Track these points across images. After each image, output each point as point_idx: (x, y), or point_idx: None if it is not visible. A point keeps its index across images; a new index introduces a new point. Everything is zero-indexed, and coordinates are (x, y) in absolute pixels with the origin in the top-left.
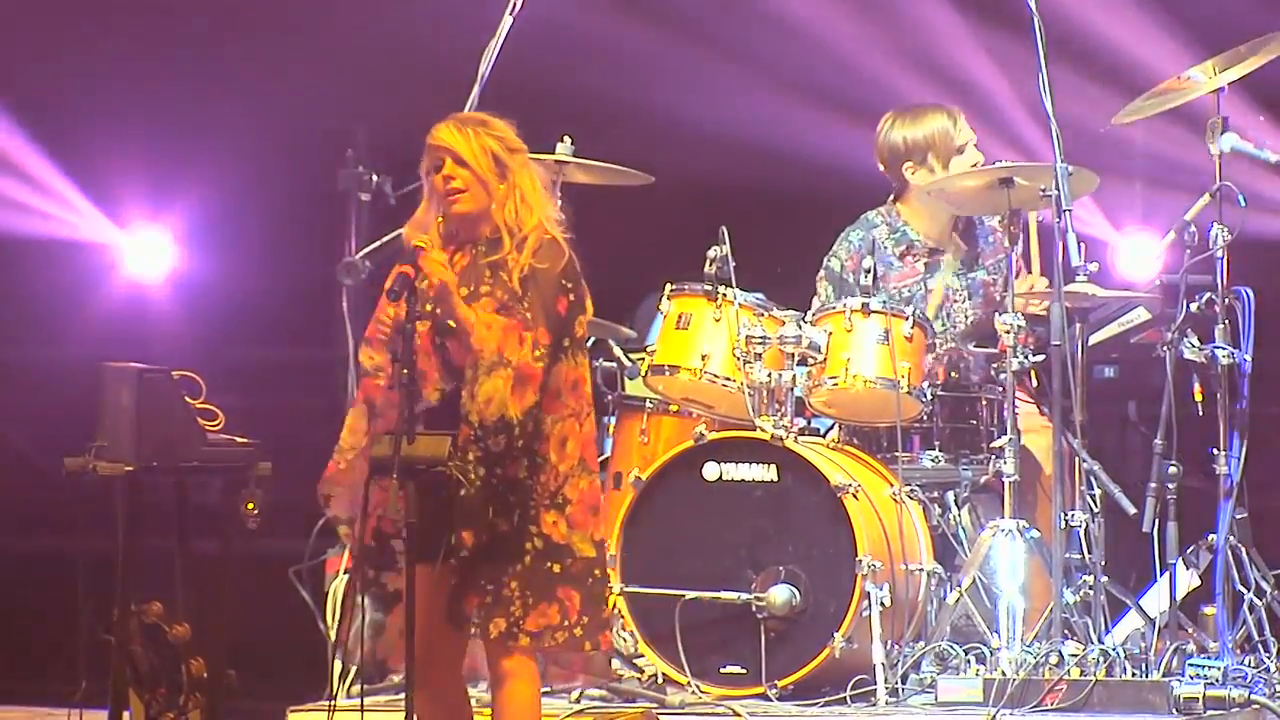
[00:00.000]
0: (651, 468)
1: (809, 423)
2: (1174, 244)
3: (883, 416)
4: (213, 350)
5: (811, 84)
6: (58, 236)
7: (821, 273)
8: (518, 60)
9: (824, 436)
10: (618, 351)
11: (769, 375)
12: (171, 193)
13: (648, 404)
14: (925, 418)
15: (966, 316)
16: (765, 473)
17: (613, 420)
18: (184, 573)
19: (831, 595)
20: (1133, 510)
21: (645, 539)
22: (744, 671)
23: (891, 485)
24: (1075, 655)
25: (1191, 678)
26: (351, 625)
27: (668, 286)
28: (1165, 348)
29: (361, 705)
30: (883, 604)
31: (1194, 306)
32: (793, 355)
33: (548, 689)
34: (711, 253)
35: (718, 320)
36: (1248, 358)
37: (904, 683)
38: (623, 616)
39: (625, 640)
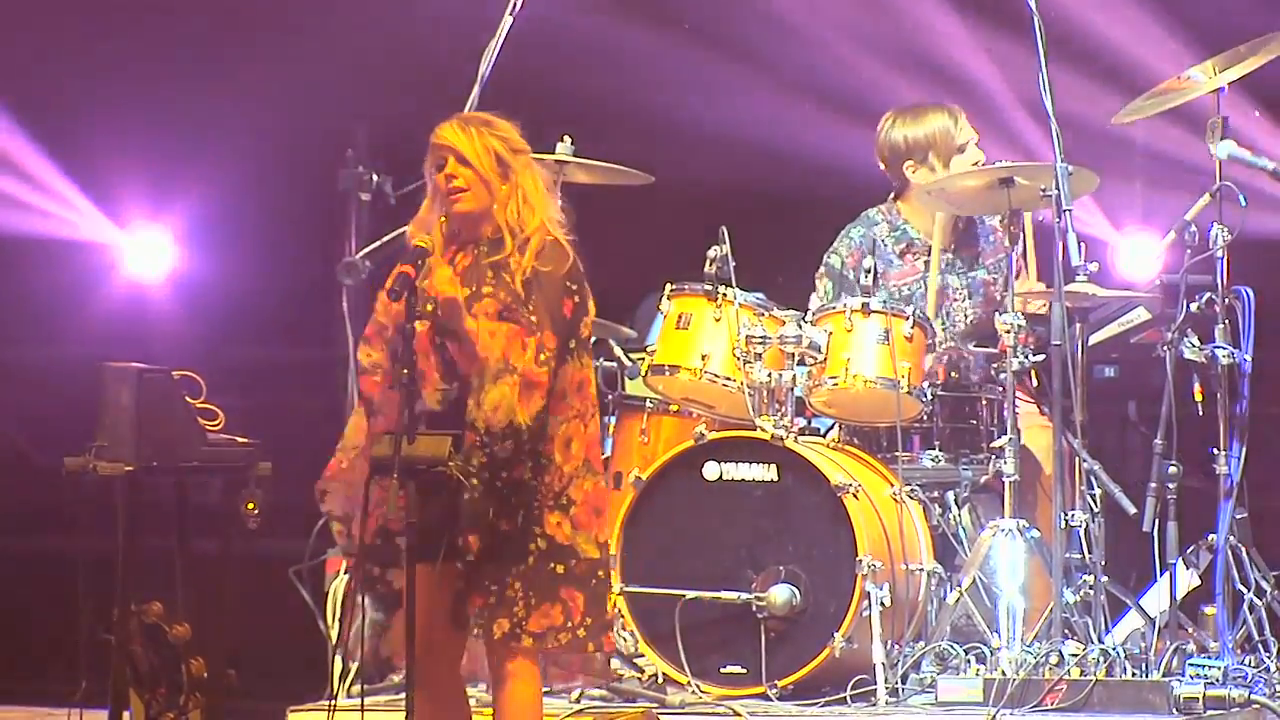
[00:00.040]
0: (652, 467)
1: (809, 422)
2: (1174, 244)
3: (883, 416)
4: (213, 350)
5: (811, 84)
6: (58, 236)
7: (821, 269)
8: (518, 60)
9: (824, 436)
10: (618, 351)
11: (769, 375)
12: (171, 193)
13: (648, 404)
14: (925, 418)
15: (966, 316)
16: (765, 472)
17: (613, 420)
18: (184, 573)
19: (832, 595)
20: (1133, 510)
21: (645, 539)
22: (744, 671)
23: (892, 485)
24: (1075, 655)
25: (1192, 677)
26: (353, 624)
27: (668, 286)
28: (1165, 347)
29: (362, 705)
30: (883, 604)
31: (1194, 306)
32: (793, 355)
33: (548, 689)
34: (711, 252)
35: (718, 320)
36: (1248, 358)
37: (904, 683)
38: (623, 616)
39: (625, 640)
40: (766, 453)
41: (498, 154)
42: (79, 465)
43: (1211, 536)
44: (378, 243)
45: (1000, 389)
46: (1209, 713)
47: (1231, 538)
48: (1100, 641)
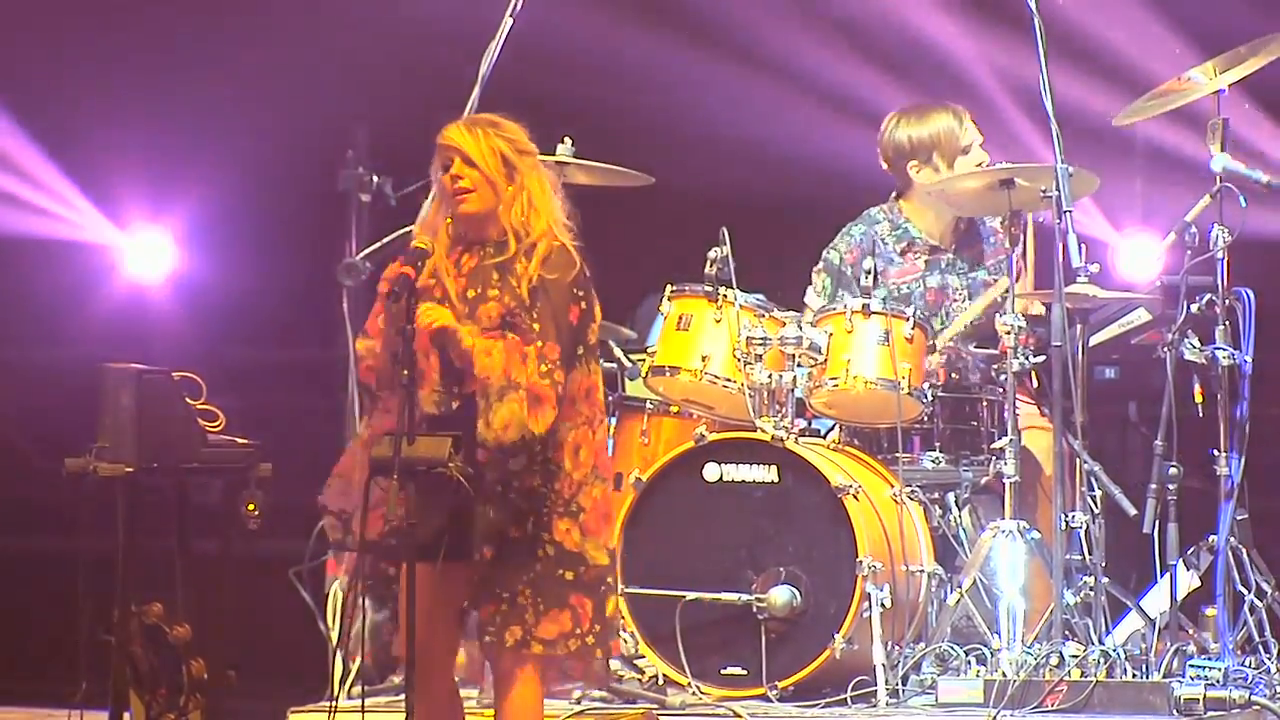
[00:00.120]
0: (652, 469)
1: (809, 424)
2: (1174, 245)
3: (883, 417)
4: (213, 351)
5: (811, 84)
6: (58, 237)
7: (820, 264)
8: (518, 61)
9: (824, 437)
10: (618, 352)
11: (769, 376)
12: (171, 193)
13: (648, 405)
14: (926, 419)
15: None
16: (766, 474)
17: (613, 421)
18: (184, 573)
19: (832, 596)
20: (1133, 511)
21: (646, 540)
22: (744, 672)
23: (892, 486)
24: (1076, 656)
25: (1192, 679)
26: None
27: (668, 287)
28: (1166, 349)
29: (363, 706)
30: (883, 605)
31: (1194, 308)
32: (793, 356)
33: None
34: (712, 254)
35: (718, 321)
36: (1248, 359)
37: (904, 684)
38: (623, 617)
39: (626, 641)
40: (767, 454)
41: (504, 155)
42: (79, 466)
43: (1212, 538)
44: (378, 243)
45: (1000, 390)
46: (1209, 714)
47: (1232, 539)
48: (1101, 643)
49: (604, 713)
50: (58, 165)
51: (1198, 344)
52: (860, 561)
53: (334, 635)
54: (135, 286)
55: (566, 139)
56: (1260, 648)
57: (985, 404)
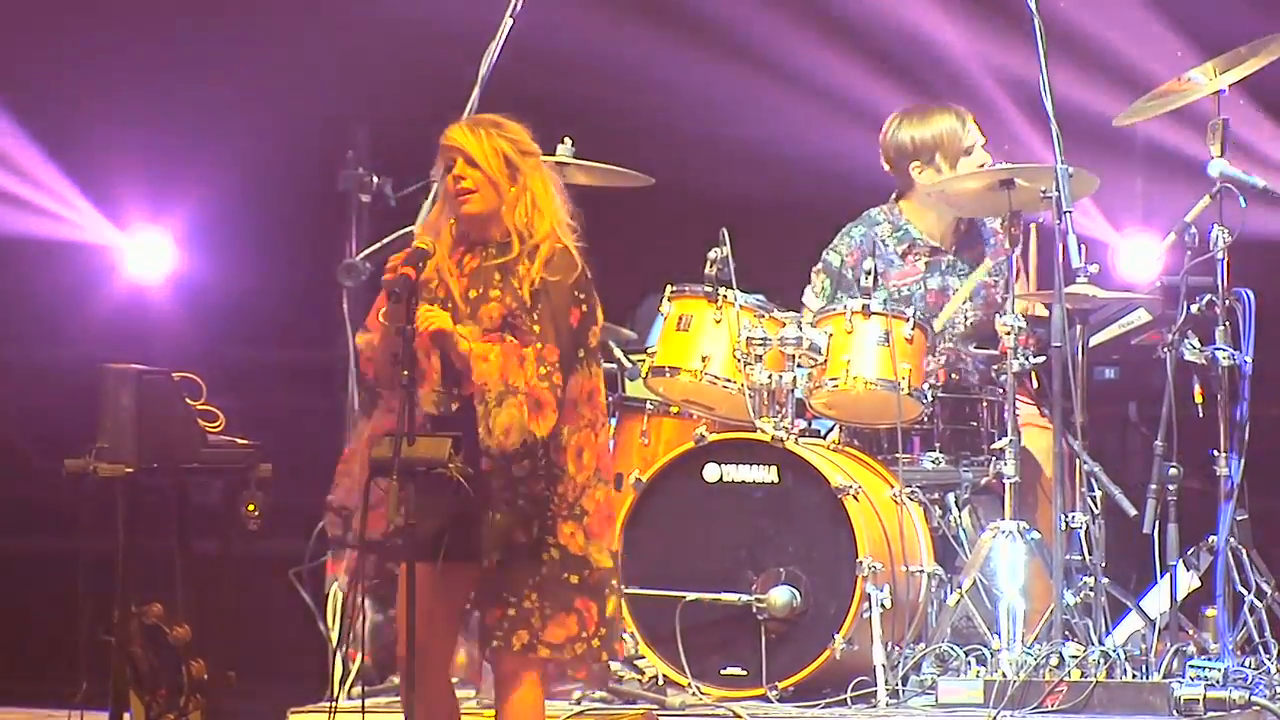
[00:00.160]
0: (652, 469)
1: (809, 424)
2: (1174, 245)
3: (883, 418)
4: (213, 351)
5: (811, 84)
6: (58, 237)
7: (819, 265)
8: (518, 61)
9: (824, 438)
10: (618, 353)
11: (769, 377)
12: (171, 193)
13: (648, 405)
14: (926, 419)
15: (966, 318)
16: (766, 474)
17: (613, 422)
18: (184, 574)
19: (832, 597)
20: (1133, 512)
21: (646, 540)
22: (744, 673)
23: (892, 487)
24: (1076, 657)
25: (1192, 679)
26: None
27: (668, 288)
28: (1166, 349)
29: (363, 706)
30: (883, 605)
31: (1194, 308)
32: (793, 357)
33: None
34: (712, 254)
35: (718, 322)
36: (1248, 359)
37: (904, 684)
38: (623, 618)
39: (626, 641)
40: (767, 454)
41: (506, 156)
42: (79, 467)
43: (1212, 538)
44: (378, 244)
45: (1000, 391)
46: (1209, 714)
47: (1232, 539)
48: (1100, 643)
49: (604, 713)
50: (58, 165)
51: (1198, 344)
52: (860, 562)
53: (334, 635)
54: (135, 286)
55: (566, 139)
56: (1260, 648)
57: (985, 404)
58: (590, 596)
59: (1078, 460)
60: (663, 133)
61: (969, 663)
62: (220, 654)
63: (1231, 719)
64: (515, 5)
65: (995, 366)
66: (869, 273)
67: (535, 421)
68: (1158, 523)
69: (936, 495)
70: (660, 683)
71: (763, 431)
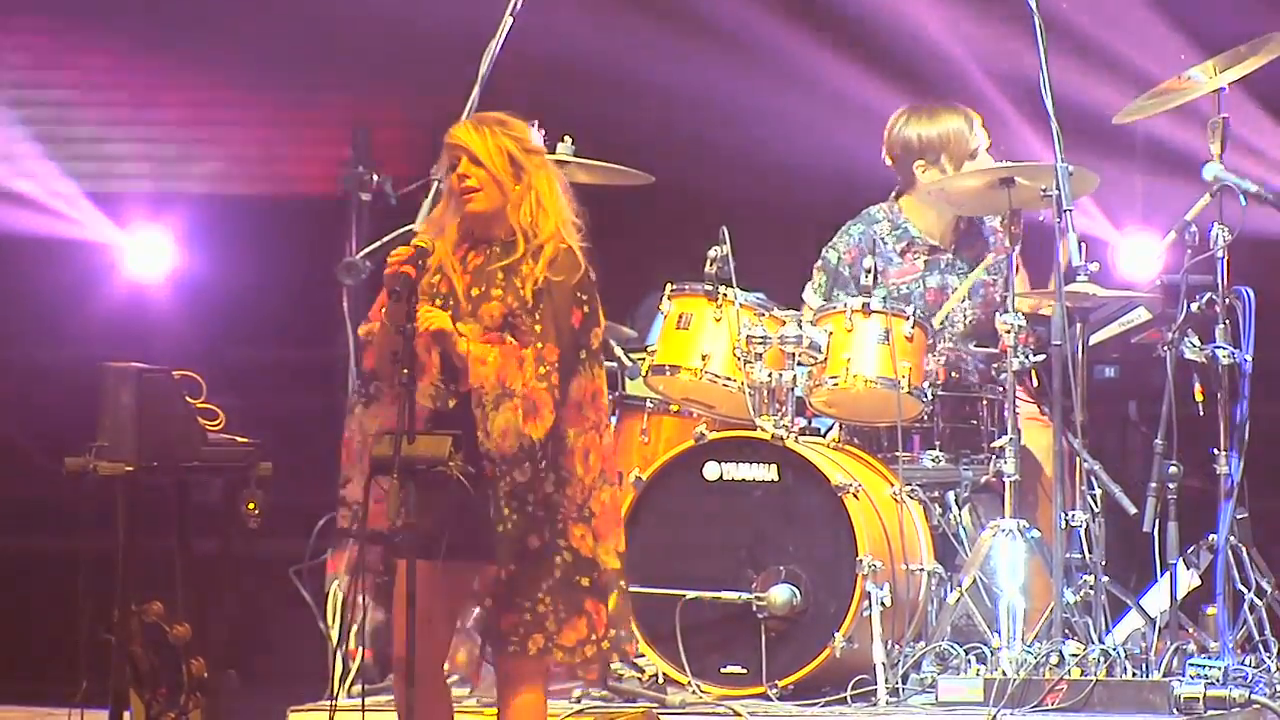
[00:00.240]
0: (652, 467)
1: (809, 422)
2: (1174, 244)
3: (883, 416)
4: (213, 351)
5: (811, 83)
6: (58, 236)
7: (819, 262)
8: (518, 60)
9: (824, 436)
10: (618, 351)
11: (769, 375)
12: (171, 193)
13: (648, 404)
14: (926, 417)
15: (966, 316)
16: (766, 472)
17: (613, 420)
18: (184, 573)
19: (832, 595)
20: (1133, 510)
21: (646, 539)
22: (744, 671)
23: (892, 485)
24: (1076, 655)
25: (1192, 678)
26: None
27: (668, 286)
28: (1166, 348)
29: (363, 706)
30: (883, 604)
31: (1195, 306)
32: (793, 355)
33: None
34: (712, 252)
35: (718, 320)
36: (1248, 358)
37: (904, 683)
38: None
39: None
40: (767, 453)
41: (510, 154)
42: (79, 465)
43: (1212, 537)
44: (378, 243)
45: (1000, 389)
46: (1209, 713)
47: (1232, 538)
48: (1101, 641)
49: (604, 712)
50: (58, 165)
51: (1198, 343)
52: (860, 560)
53: (334, 635)
54: (135, 286)
55: (567, 138)
56: (1260, 647)
57: (985, 403)
58: (599, 598)
59: (1078, 458)
60: (663, 131)
61: (969, 661)
62: (220, 654)
63: (1232, 717)
64: (515, 5)
65: (995, 365)
66: (869, 271)
67: (530, 424)
68: (1158, 521)
69: (936, 493)
70: (660, 681)
71: (763, 430)
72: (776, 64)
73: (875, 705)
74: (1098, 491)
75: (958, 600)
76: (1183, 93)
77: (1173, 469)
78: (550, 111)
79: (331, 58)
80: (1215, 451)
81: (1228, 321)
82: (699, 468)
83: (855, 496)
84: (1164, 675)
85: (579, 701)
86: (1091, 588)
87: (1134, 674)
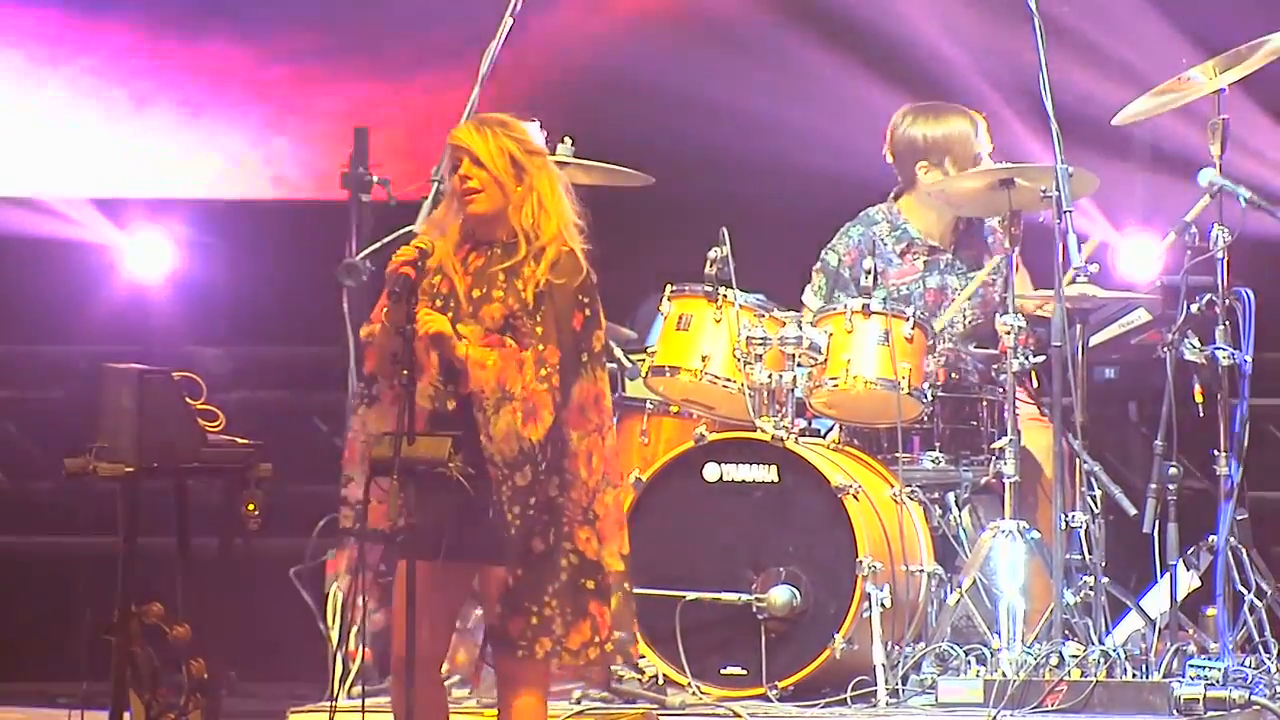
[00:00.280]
0: (652, 469)
1: (809, 424)
2: (1174, 245)
3: (883, 417)
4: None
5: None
6: (58, 236)
7: (818, 264)
8: (518, 60)
9: (824, 437)
10: (618, 353)
11: (769, 376)
12: (171, 193)
13: (648, 405)
14: (926, 419)
15: (966, 317)
16: (766, 473)
17: (614, 421)
18: (184, 573)
19: (832, 596)
20: (1133, 511)
21: (646, 540)
22: (744, 672)
23: (892, 486)
24: (1076, 656)
25: (1192, 679)
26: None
27: (668, 288)
28: (1166, 349)
29: (363, 706)
30: (883, 605)
31: (1194, 307)
32: (793, 356)
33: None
34: (712, 254)
35: (718, 321)
36: (1248, 359)
37: (904, 684)
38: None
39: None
40: (767, 454)
41: (512, 155)
42: (79, 466)
43: (1212, 538)
44: (379, 243)
45: (1000, 390)
46: (1209, 714)
47: (1232, 539)
48: (1101, 643)
49: (604, 713)
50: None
51: (1198, 344)
52: (860, 561)
53: (334, 635)
54: (135, 286)
55: (567, 139)
56: (1260, 648)
57: (985, 404)
58: (602, 601)
59: (1078, 460)
60: (663, 132)
61: (969, 662)
62: (220, 654)
63: (1231, 718)
64: (515, 5)
65: (995, 366)
66: (869, 272)
67: (529, 427)
68: (1158, 522)
69: (936, 495)
70: (660, 682)
71: (763, 431)
72: (777, 65)
73: (875, 706)
74: (1097, 493)
75: (958, 601)
76: (1183, 94)
77: (1172, 470)
78: (550, 112)
79: (332, 56)
80: (1215, 452)
81: (1228, 323)
82: (699, 469)
83: (855, 498)
84: (1164, 676)
85: (579, 702)
86: (1091, 589)
87: (1134, 675)
